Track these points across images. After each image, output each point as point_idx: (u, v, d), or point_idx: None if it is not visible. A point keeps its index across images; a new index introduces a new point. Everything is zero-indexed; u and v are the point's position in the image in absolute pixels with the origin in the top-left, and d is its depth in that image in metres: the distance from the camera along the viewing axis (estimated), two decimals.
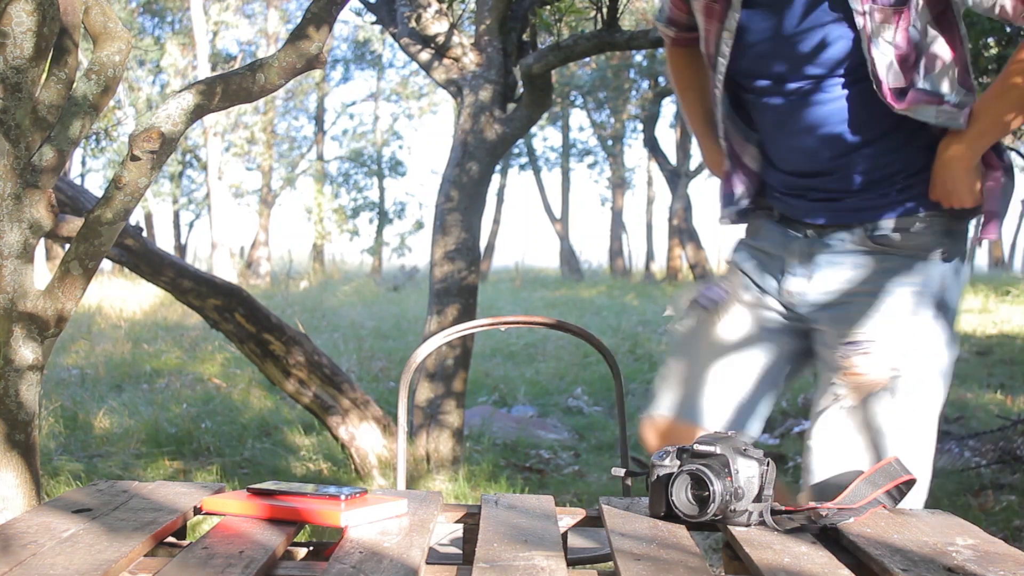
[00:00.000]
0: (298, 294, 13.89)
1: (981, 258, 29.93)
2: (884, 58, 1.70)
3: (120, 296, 12.55)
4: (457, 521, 1.59)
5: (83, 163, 23.85)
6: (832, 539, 1.43)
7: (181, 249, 25.64)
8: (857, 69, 1.73)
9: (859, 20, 1.69)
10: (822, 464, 1.79)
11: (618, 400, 2.21)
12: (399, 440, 2.13)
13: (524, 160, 25.39)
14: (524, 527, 1.43)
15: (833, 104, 1.77)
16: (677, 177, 19.10)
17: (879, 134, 1.77)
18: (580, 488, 4.29)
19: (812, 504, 1.52)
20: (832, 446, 1.79)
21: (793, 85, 1.80)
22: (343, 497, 1.44)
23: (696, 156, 19.74)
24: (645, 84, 20.17)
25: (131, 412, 5.47)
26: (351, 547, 1.31)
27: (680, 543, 1.37)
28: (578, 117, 25.39)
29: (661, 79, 19.55)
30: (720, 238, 31.39)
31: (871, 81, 1.72)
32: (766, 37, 1.80)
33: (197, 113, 1.81)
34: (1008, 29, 5.20)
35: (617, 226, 25.59)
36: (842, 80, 1.75)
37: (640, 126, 21.48)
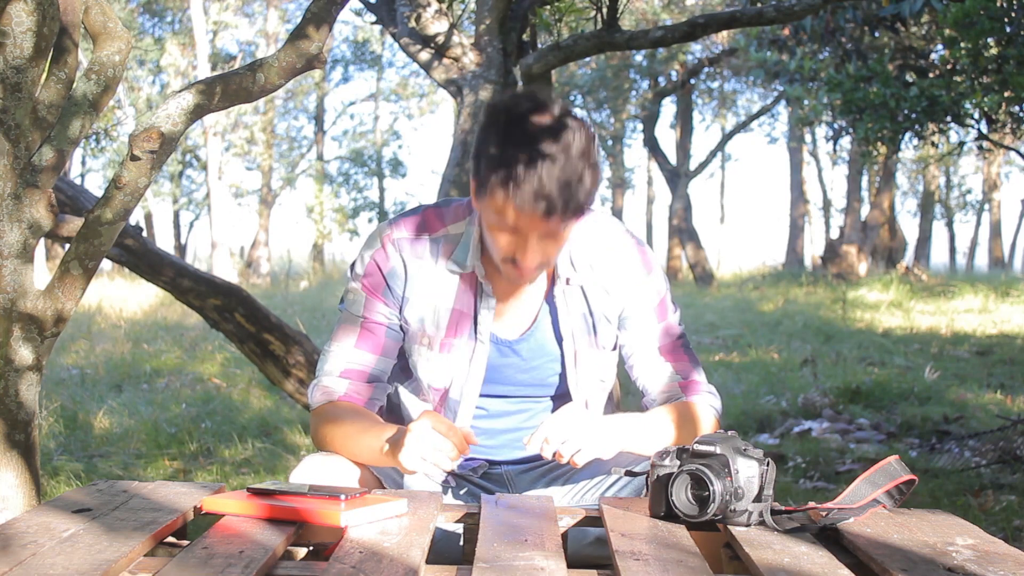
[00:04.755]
0: (298, 294, 13.88)
1: (981, 258, 29.95)
2: None
3: (120, 296, 12.54)
4: (457, 521, 1.59)
5: (83, 163, 23.86)
6: (832, 539, 1.43)
7: (181, 249, 25.63)
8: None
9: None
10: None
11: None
12: None
13: None
14: (524, 527, 1.43)
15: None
16: (677, 177, 19.10)
17: None
18: None
19: (812, 504, 1.52)
20: None
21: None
22: (343, 497, 1.44)
23: (696, 156, 19.73)
24: (645, 84, 20.16)
25: (131, 412, 5.47)
26: (351, 547, 1.30)
27: (680, 543, 1.36)
28: None
29: (661, 79, 19.55)
30: (720, 238, 31.37)
31: None
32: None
33: (197, 113, 1.81)
34: (1008, 29, 5.20)
35: None
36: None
37: (640, 126, 21.47)
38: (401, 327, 1.84)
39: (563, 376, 1.86)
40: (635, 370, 1.88)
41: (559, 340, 1.84)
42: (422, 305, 1.81)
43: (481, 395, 1.86)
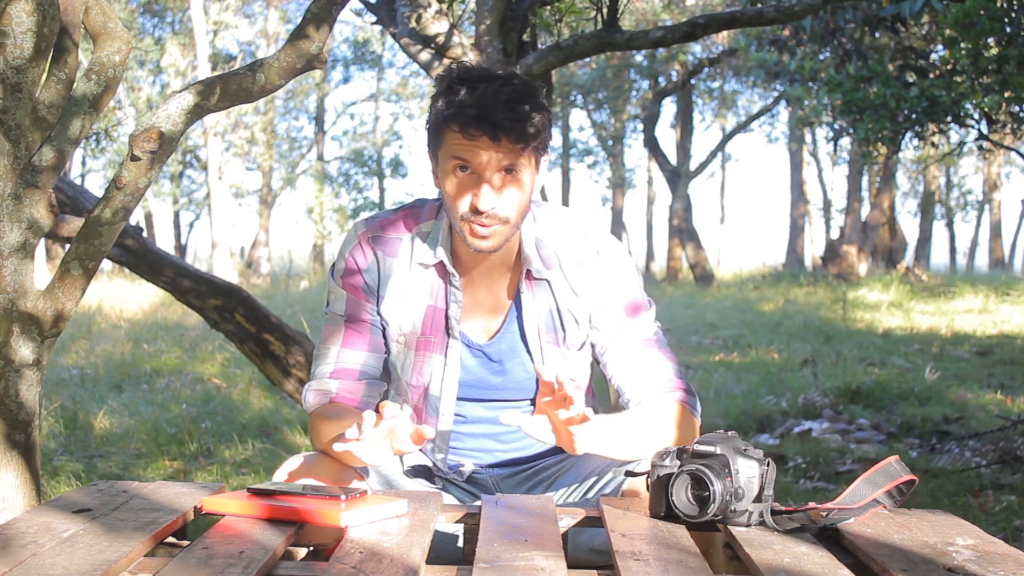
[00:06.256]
0: (298, 294, 13.87)
1: (981, 258, 29.94)
2: None
3: (120, 296, 12.54)
4: (457, 521, 1.59)
5: (83, 163, 23.86)
6: (832, 539, 1.43)
7: (181, 249, 25.63)
8: None
9: None
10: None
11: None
12: None
13: None
14: (524, 527, 1.43)
15: None
16: (677, 177, 19.11)
17: None
18: None
19: (812, 504, 1.52)
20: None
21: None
22: (343, 497, 1.44)
23: (696, 156, 19.74)
24: (645, 84, 20.16)
25: (131, 412, 5.47)
26: (351, 547, 1.31)
27: (680, 543, 1.37)
28: (578, 117, 25.37)
29: (661, 79, 19.55)
30: (720, 238, 31.36)
31: None
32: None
33: (197, 113, 1.81)
34: (1008, 29, 5.20)
35: (617, 226, 25.59)
36: None
37: (640, 126, 21.48)
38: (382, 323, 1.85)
39: (536, 378, 1.82)
40: (609, 369, 1.85)
41: (524, 339, 1.83)
42: (397, 304, 1.83)
43: (459, 399, 1.85)
